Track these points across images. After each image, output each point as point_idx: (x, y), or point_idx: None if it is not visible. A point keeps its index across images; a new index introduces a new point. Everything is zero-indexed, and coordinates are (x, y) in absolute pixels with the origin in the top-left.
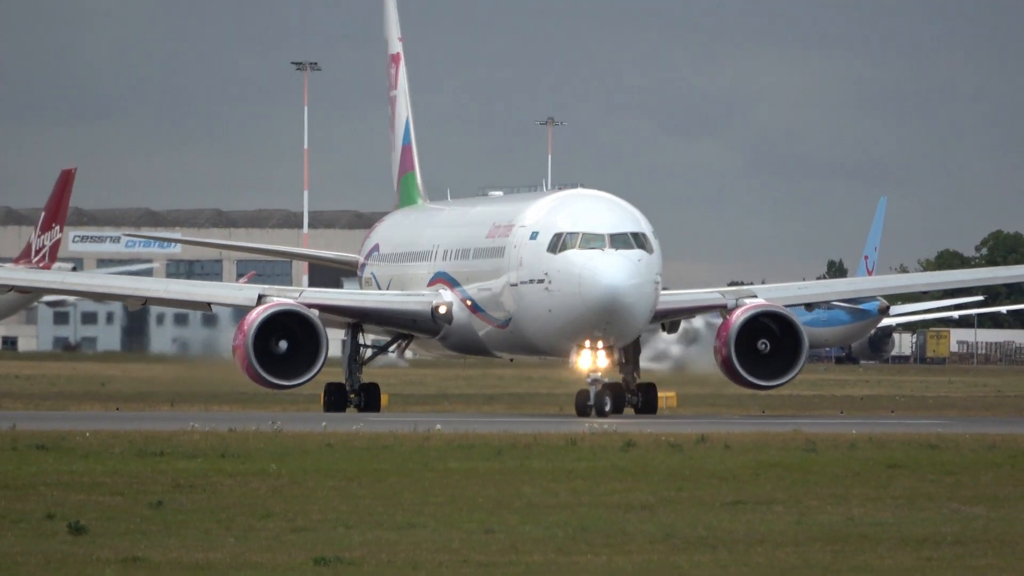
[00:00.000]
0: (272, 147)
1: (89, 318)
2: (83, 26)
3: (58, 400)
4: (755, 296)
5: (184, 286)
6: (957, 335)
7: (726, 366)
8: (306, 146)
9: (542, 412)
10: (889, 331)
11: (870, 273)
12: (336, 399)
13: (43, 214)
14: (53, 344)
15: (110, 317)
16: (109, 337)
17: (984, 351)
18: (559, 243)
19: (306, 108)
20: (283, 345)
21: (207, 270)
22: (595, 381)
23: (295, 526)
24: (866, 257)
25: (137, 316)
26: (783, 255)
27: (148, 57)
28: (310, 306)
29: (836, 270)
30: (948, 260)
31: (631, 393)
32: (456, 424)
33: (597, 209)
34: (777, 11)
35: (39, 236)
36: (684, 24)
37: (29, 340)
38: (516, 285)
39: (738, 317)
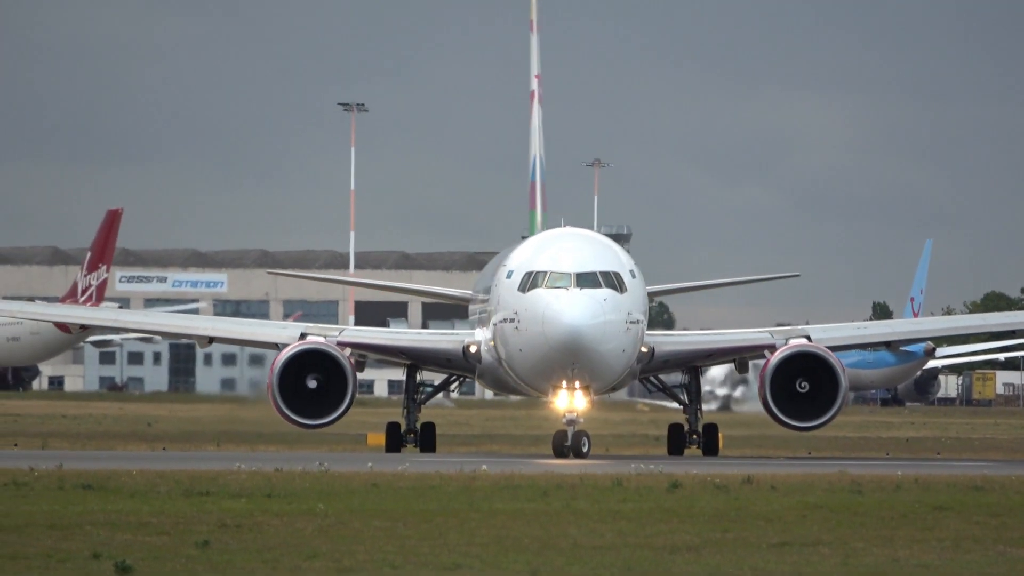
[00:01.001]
0: (318, 187)
1: (136, 358)
2: (130, 67)
3: (104, 440)
4: (807, 336)
5: (228, 324)
6: (1003, 377)
7: (764, 406)
8: (352, 187)
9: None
10: (935, 373)
11: (916, 315)
12: (392, 439)
13: (89, 254)
14: (99, 384)
15: (157, 357)
16: (156, 377)
17: None
18: (528, 282)
19: (352, 149)
20: (311, 384)
21: (254, 310)
22: (571, 422)
23: (341, 566)
24: (912, 299)
25: (184, 356)
26: (829, 297)
27: (194, 97)
28: (347, 345)
29: (881, 312)
30: (994, 302)
31: (696, 434)
32: (502, 464)
33: (571, 248)
34: (822, 54)
35: (86, 276)
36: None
37: (76, 380)
38: (497, 324)
39: (775, 358)
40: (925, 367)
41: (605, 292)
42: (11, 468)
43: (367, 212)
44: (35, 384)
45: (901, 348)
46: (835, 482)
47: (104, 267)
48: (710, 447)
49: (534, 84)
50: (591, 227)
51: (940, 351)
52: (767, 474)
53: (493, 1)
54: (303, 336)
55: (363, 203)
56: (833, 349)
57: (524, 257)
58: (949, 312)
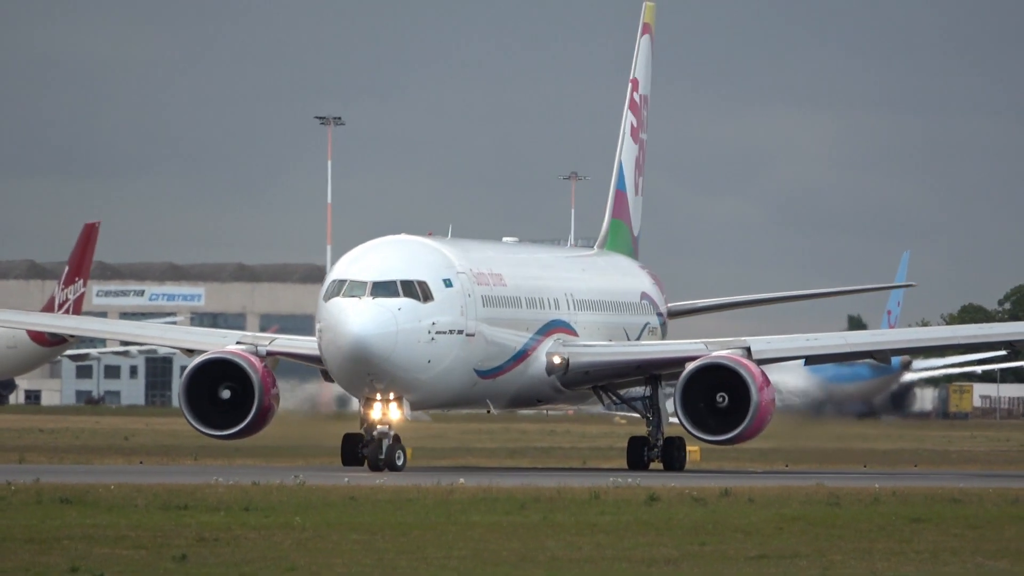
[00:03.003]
0: (295, 201)
1: (112, 372)
2: (107, 81)
3: (82, 454)
4: (748, 348)
5: (173, 332)
6: (980, 390)
7: (677, 418)
8: (329, 200)
9: (558, 467)
10: (911, 386)
11: (892, 328)
12: (349, 452)
13: (67, 268)
14: (76, 398)
15: (134, 371)
16: (133, 391)
17: (1007, 405)
18: (331, 291)
19: (329, 163)
20: (225, 394)
21: (231, 323)
22: (383, 434)
23: None
24: (889, 312)
25: (160, 370)
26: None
27: (170, 111)
28: (276, 354)
29: (855, 326)
30: (971, 314)
31: (655, 447)
32: (479, 477)
33: (376, 257)
34: (798, 68)
35: (63, 290)
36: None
37: (52, 394)
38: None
39: (687, 370)
40: (901, 380)
41: (401, 301)
42: None
43: (344, 226)
44: (12, 398)
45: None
46: (812, 494)
47: (81, 281)
48: (670, 461)
49: (628, 89)
50: (567, 241)
51: (916, 364)
52: (745, 487)
53: (472, 16)
54: (239, 344)
55: (340, 217)
56: (771, 361)
57: (338, 265)
58: (925, 325)
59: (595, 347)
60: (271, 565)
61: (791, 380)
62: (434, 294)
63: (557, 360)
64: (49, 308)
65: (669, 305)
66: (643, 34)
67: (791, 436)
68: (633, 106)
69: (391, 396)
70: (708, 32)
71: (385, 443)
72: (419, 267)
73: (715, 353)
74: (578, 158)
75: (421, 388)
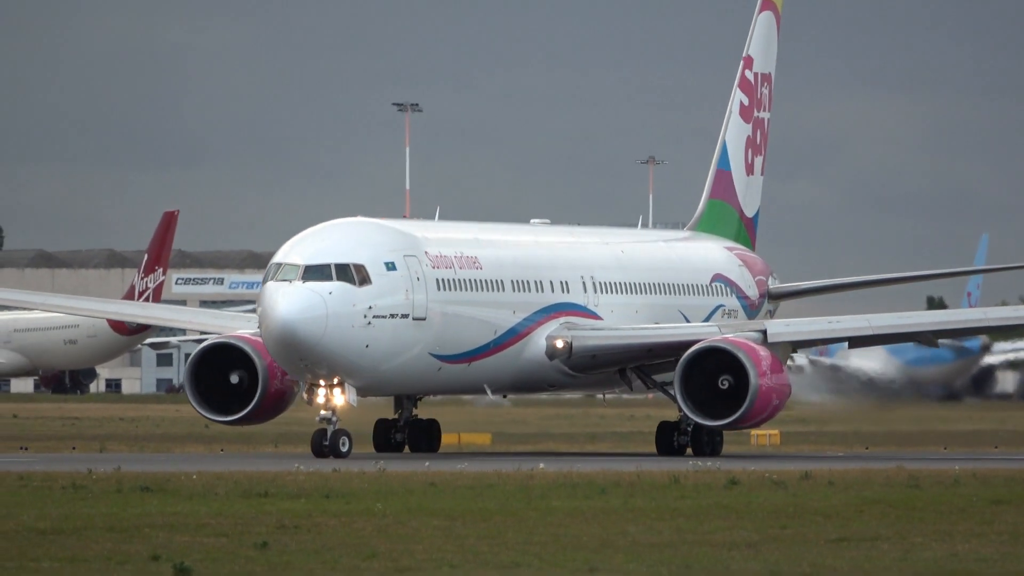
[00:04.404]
0: (374, 188)
1: None
2: (183, 68)
3: (162, 442)
4: (764, 331)
5: (211, 318)
6: None
7: (677, 402)
8: (407, 187)
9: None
10: (992, 368)
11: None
12: (382, 437)
13: (146, 257)
14: (157, 386)
15: None
16: None
17: None
18: (268, 275)
19: (407, 149)
20: (234, 379)
21: None
22: (325, 419)
23: (400, 566)
24: (969, 294)
25: None
26: (884, 293)
27: (248, 99)
28: None
29: (936, 307)
30: None
31: (682, 433)
32: (559, 463)
33: (314, 240)
34: (875, 50)
35: (142, 278)
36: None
37: (133, 383)
38: None
39: (687, 354)
40: (982, 362)
41: (333, 285)
42: (70, 471)
43: (422, 212)
44: (92, 387)
45: (959, 345)
46: (892, 477)
47: (160, 269)
48: (699, 446)
49: (739, 67)
50: (647, 225)
51: (997, 347)
52: (824, 470)
53: (543, 2)
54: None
55: (418, 203)
56: (793, 344)
57: (280, 249)
58: (1004, 305)
59: (602, 330)
60: (352, 552)
61: (871, 364)
62: (372, 278)
63: (560, 344)
64: (129, 296)
65: (772, 287)
66: (762, 10)
67: (871, 419)
68: (745, 84)
69: (334, 381)
70: (797, 17)
71: (329, 429)
72: (359, 250)
73: (714, 337)
74: (654, 142)
75: (363, 373)
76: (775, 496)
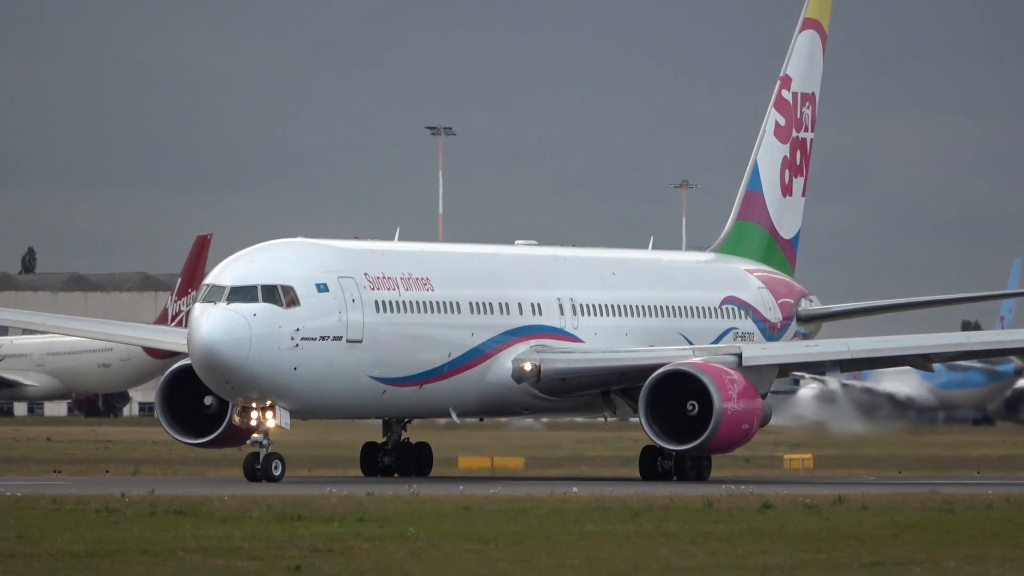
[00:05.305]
0: (406, 211)
1: None
2: (216, 92)
3: (196, 465)
4: (739, 354)
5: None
6: None
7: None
8: (440, 211)
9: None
10: None
11: None
12: (369, 462)
13: (179, 280)
14: None
15: None
16: None
17: None
18: (198, 296)
19: (440, 173)
20: (207, 401)
21: None
22: (257, 443)
23: None
24: (1002, 318)
25: None
26: (918, 315)
27: (282, 123)
28: None
29: (971, 330)
30: None
31: (666, 458)
32: (592, 487)
33: (243, 262)
34: (912, 73)
35: (176, 301)
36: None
37: None
38: None
39: (651, 377)
40: (1016, 386)
41: (258, 307)
42: (103, 494)
43: (456, 236)
44: (126, 410)
45: (992, 369)
46: (926, 501)
47: (193, 293)
48: (683, 471)
49: (775, 86)
50: (679, 247)
51: None
52: (858, 494)
53: (579, 25)
54: None
55: (452, 227)
56: (766, 368)
57: (212, 270)
58: None
59: (572, 353)
60: (385, 575)
61: (904, 387)
62: (301, 299)
63: (528, 367)
64: (162, 320)
65: (802, 310)
66: (803, 29)
67: (904, 443)
68: (781, 104)
69: (266, 404)
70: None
71: (262, 453)
72: (290, 271)
73: (680, 361)
74: (689, 166)
75: (293, 396)
76: (808, 520)
